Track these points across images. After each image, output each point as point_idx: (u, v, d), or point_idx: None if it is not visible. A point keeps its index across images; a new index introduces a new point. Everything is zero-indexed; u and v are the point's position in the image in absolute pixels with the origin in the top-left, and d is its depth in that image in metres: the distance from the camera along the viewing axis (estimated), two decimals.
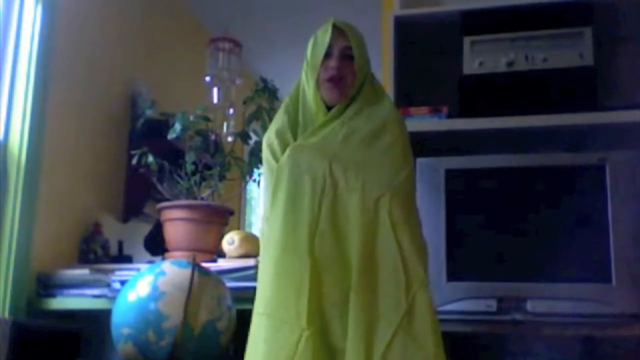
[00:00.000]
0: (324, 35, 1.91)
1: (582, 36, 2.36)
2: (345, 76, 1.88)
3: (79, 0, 2.99)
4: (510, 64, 2.42)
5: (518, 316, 2.13)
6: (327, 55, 1.89)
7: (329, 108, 1.91)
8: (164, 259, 2.76)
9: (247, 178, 2.96)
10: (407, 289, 1.66)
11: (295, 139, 1.89)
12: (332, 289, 1.71)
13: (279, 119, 1.96)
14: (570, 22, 2.39)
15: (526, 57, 2.41)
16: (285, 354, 1.66)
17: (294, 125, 1.93)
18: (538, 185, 2.27)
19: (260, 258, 1.94)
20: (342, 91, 1.89)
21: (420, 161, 2.25)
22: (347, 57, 1.89)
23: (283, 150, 1.87)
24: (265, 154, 1.94)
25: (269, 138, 1.94)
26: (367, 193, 1.75)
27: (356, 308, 1.66)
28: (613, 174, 2.14)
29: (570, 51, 2.36)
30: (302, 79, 1.98)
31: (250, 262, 2.55)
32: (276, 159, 1.88)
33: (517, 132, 2.34)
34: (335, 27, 1.91)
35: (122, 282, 2.42)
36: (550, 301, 2.12)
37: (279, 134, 1.92)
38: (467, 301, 2.16)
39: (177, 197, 2.86)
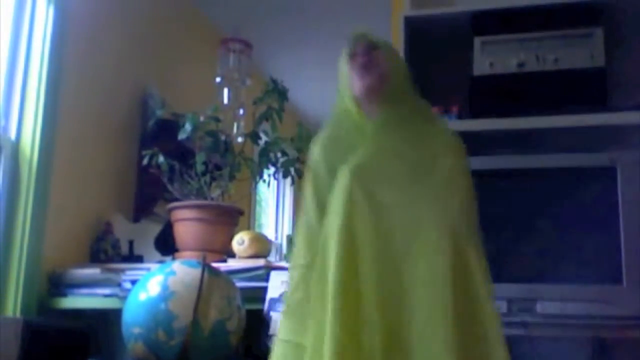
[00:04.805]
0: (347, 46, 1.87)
1: (593, 37, 2.35)
2: (374, 62, 1.80)
3: (90, 2, 3.01)
4: (520, 64, 2.41)
5: (528, 318, 2.12)
6: (352, 56, 1.84)
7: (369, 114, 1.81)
8: (174, 258, 2.77)
9: (257, 178, 2.96)
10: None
11: (339, 156, 1.78)
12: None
13: (319, 142, 1.87)
14: (581, 23, 2.39)
15: (537, 58, 2.40)
16: None
17: (336, 141, 1.84)
18: (548, 186, 2.26)
19: (291, 295, 1.79)
20: (375, 77, 1.79)
21: None
22: (372, 49, 1.82)
23: (330, 173, 1.77)
24: (308, 187, 1.84)
25: (313, 167, 1.85)
26: (436, 230, 1.64)
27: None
28: (624, 175, 2.13)
29: (581, 52, 2.35)
30: (338, 97, 1.90)
31: (259, 262, 2.55)
32: (322, 191, 1.78)
33: (528, 132, 2.33)
34: (355, 38, 1.87)
35: (133, 282, 2.43)
36: (560, 303, 2.11)
37: (323, 158, 1.83)
38: None
39: (187, 197, 2.87)
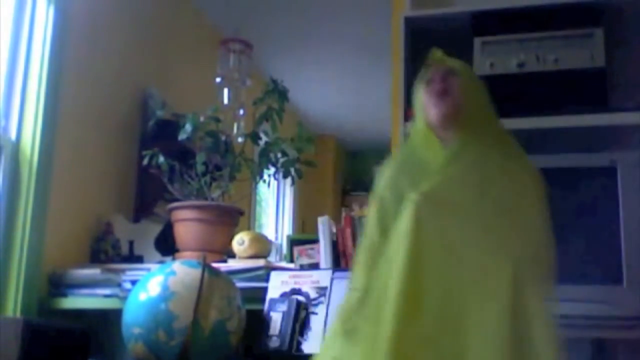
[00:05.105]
0: (425, 72, 1.81)
1: (593, 37, 2.35)
2: (451, 89, 1.74)
3: (90, 2, 3.01)
4: (521, 65, 2.41)
5: None
6: (428, 82, 1.79)
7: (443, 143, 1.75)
8: (174, 259, 2.77)
9: (257, 178, 2.96)
10: None
11: (409, 183, 1.72)
12: None
13: (389, 167, 1.82)
14: (581, 23, 2.38)
15: (537, 58, 2.40)
16: None
17: (408, 166, 1.79)
18: (548, 186, 2.26)
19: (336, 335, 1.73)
20: (450, 105, 1.73)
21: None
22: (449, 75, 1.77)
23: (397, 199, 1.71)
24: (373, 211, 1.79)
25: (380, 191, 1.79)
26: (501, 273, 1.56)
27: None
28: (624, 175, 2.13)
29: (581, 52, 2.35)
30: (415, 121, 1.84)
31: (259, 262, 2.55)
32: (387, 217, 1.72)
33: (528, 133, 2.33)
34: (433, 62, 1.82)
35: (133, 282, 2.43)
36: (560, 303, 2.10)
37: (391, 182, 1.77)
38: None
39: (187, 198, 2.87)
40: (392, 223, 1.69)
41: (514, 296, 1.53)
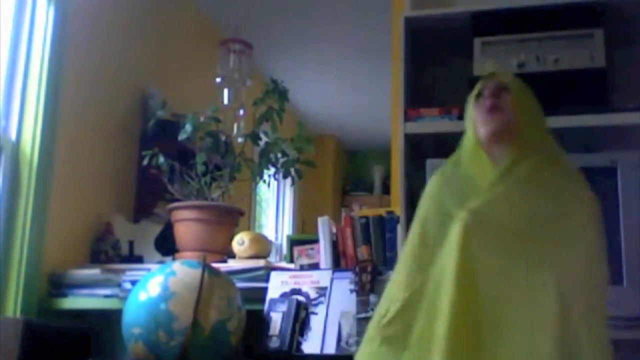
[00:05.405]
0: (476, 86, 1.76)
1: (593, 37, 2.35)
2: (502, 106, 1.69)
3: (90, 2, 3.01)
4: (521, 65, 2.41)
5: None
6: (478, 97, 1.74)
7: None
8: (174, 259, 2.77)
9: (257, 179, 2.96)
10: None
11: (456, 198, 1.67)
12: None
13: (433, 182, 1.78)
14: (581, 24, 2.38)
15: (537, 58, 2.40)
16: None
17: (456, 179, 1.74)
18: None
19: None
20: (500, 122, 1.68)
21: (431, 162, 2.24)
22: (502, 89, 1.71)
23: (441, 213, 1.68)
24: (418, 221, 1.73)
25: (428, 195, 1.75)
26: (548, 301, 1.49)
27: None
28: (624, 176, 2.12)
29: (581, 52, 2.35)
30: (465, 134, 1.78)
31: (259, 262, 2.56)
32: (430, 229, 1.68)
33: None
34: (485, 76, 1.77)
35: (133, 282, 2.43)
36: None
37: (435, 200, 1.72)
38: None
39: (187, 198, 2.87)
40: (434, 235, 1.65)
41: (562, 326, 1.47)
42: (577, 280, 1.52)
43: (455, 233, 1.58)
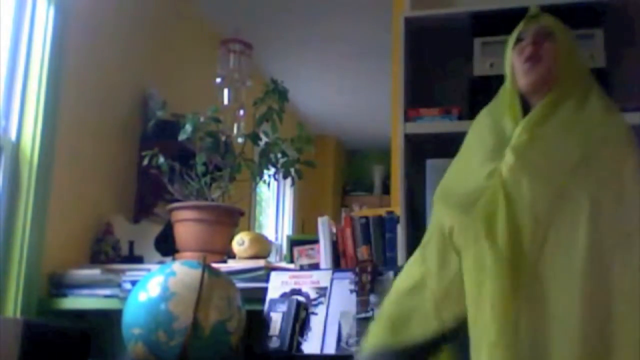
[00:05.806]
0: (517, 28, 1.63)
1: (594, 38, 2.35)
2: (545, 55, 1.58)
3: (91, 2, 3.01)
4: None
5: None
6: (518, 41, 1.62)
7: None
8: (174, 259, 2.77)
9: (257, 179, 2.96)
10: None
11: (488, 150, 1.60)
12: None
13: (486, 111, 1.70)
14: (582, 24, 2.38)
15: None
16: None
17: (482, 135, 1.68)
18: None
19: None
20: (541, 73, 1.58)
21: (430, 162, 2.24)
22: (545, 36, 1.60)
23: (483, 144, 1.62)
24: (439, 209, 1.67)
25: (477, 123, 1.69)
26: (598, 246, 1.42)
27: None
28: None
29: (581, 53, 2.35)
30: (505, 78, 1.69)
31: (260, 263, 2.55)
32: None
33: None
34: (527, 17, 1.64)
35: (133, 283, 2.43)
36: None
37: (480, 131, 1.67)
38: None
39: (187, 198, 2.87)
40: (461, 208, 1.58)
41: (592, 275, 1.41)
42: (613, 207, 1.45)
43: (496, 184, 1.51)
